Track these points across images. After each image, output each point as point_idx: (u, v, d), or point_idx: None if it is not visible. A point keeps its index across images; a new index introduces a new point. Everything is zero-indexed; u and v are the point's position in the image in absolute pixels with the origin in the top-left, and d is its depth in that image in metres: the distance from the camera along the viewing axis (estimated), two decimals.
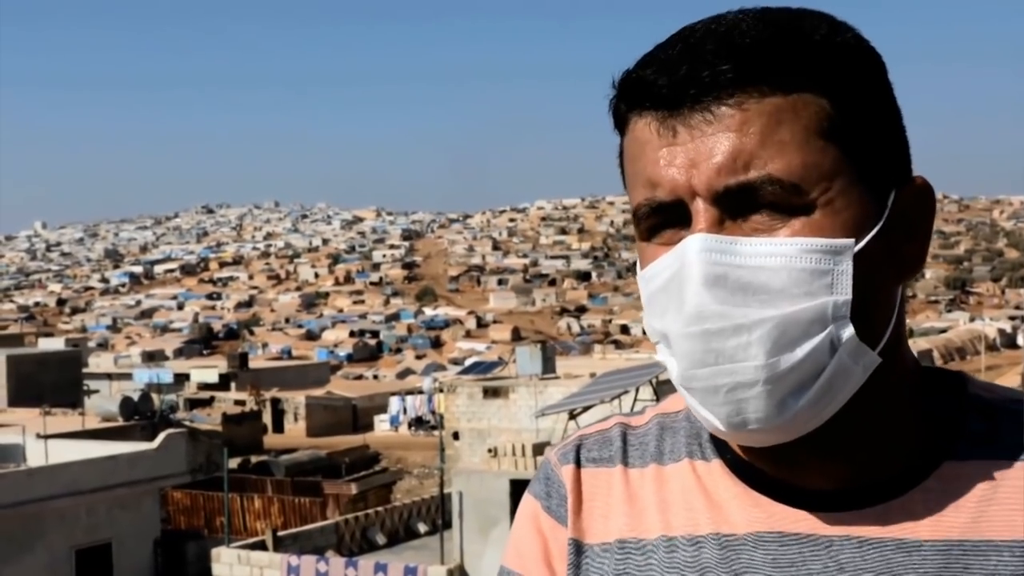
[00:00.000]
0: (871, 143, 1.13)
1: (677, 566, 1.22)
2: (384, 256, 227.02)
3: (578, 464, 1.35)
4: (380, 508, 33.31)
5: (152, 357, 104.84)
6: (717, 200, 1.10)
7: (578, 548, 1.31)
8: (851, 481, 1.17)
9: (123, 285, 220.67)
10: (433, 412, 53.69)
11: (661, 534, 1.25)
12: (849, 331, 1.09)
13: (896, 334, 1.17)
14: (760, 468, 1.21)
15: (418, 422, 59.54)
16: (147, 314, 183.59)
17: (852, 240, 1.09)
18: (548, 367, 35.44)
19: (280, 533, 28.88)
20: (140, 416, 45.29)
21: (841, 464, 1.17)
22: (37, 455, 32.35)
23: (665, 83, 1.12)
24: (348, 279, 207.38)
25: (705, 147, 1.10)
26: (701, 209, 1.10)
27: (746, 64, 1.09)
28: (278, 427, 61.43)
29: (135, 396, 47.70)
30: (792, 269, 1.08)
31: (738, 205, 1.10)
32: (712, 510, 1.23)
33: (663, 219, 1.14)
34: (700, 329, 1.09)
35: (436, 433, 40.05)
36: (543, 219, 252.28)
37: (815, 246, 1.08)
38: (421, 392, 63.70)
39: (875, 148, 1.13)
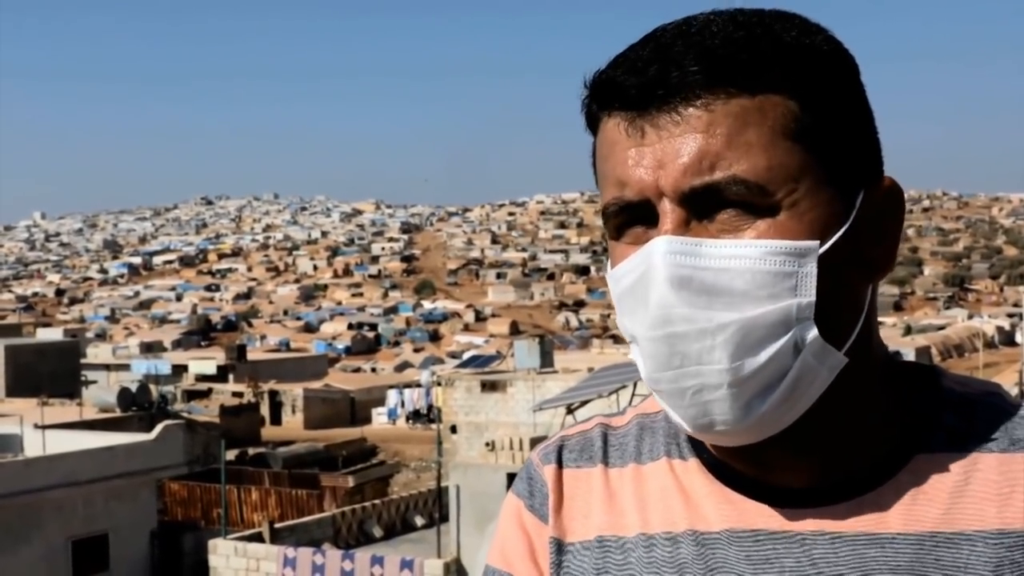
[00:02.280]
0: (839, 145, 1.13)
1: (655, 563, 1.23)
2: (383, 249, 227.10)
3: (559, 464, 1.36)
4: (377, 501, 33.26)
5: (150, 348, 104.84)
6: (683, 200, 1.10)
7: (559, 547, 1.32)
8: (824, 478, 1.18)
9: (122, 276, 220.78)
10: (431, 405, 53.65)
11: (639, 532, 1.26)
12: (813, 333, 1.10)
13: (866, 331, 1.17)
14: (735, 467, 1.22)
15: (416, 415, 59.46)
16: (145, 305, 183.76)
17: (817, 242, 1.10)
18: (546, 361, 35.38)
19: (277, 525, 28.84)
20: (138, 407, 45.29)
21: (813, 462, 1.18)
22: (34, 445, 32.36)
23: (634, 84, 1.12)
24: (347, 272, 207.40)
25: (672, 148, 1.10)
26: (668, 210, 1.11)
27: (714, 65, 1.10)
28: (275, 419, 61.34)
29: (133, 387, 47.70)
30: (756, 271, 1.08)
31: (704, 206, 1.10)
32: (689, 508, 1.24)
33: (631, 218, 1.14)
34: (664, 332, 1.10)
35: (434, 426, 40.00)
36: (542, 213, 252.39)
37: (779, 248, 1.08)
38: (419, 385, 63.57)
39: (843, 150, 1.13)
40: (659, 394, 1.15)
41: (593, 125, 1.20)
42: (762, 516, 1.19)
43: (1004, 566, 1.11)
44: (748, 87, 1.10)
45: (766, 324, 1.09)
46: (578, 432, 1.39)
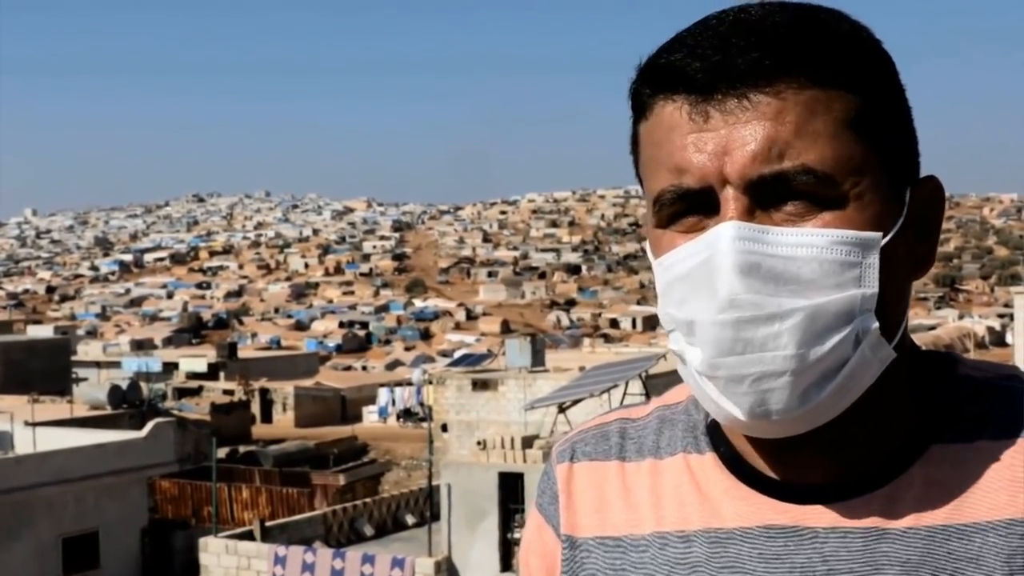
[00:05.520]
0: (893, 141, 1.14)
1: (668, 562, 1.23)
2: (374, 247, 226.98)
3: (572, 460, 1.36)
4: (368, 499, 33.31)
5: (141, 346, 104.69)
6: (749, 188, 1.09)
7: (572, 543, 1.32)
8: (841, 473, 1.17)
9: (113, 273, 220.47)
10: (422, 404, 53.60)
11: (654, 530, 1.25)
12: (874, 324, 1.10)
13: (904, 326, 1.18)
14: (751, 463, 1.21)
15: (407, 414, 59.46)
16: (136, 302, 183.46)
17: (880, 234, 1.10)
18: (537, 360, 35.37)
19: (268, 523, 28.86)
20: (128, 405, 45.28)
21: (836, 457, 1.17)
22: (25, 443, 32.31)
23: (699, 68, 1.11)
24: (338, 270, 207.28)
25: (739, 134, 1.09)
26: (731, 197, 1.09)
27: (783, 53, 1.09)
28: (266, 417, 61.35)
29: (124, 385, 47.69)
30: (823, 260, 1.08)
31: (769, 194, 1.09)
32: (703, 505, 1.23)
33: (687, 206, 1.13)
34: (732, 317, 1.08)
35: (425, 425, 39.96)
36: (534, 212, 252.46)
37: (846, 238, 1.08)
38: (410, 384, 63.59)
39: (896, 146, 1.14)
40: (714, 380, 1.12)
41: (641, 111, 1.18)
42: (775, 512, 1.18)
43: (1017, 556, 1.10)
44: (816, 77, 1.09)
45: (832, 313, 1.08)
46: (595, 426, 1.39)
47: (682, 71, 1.12)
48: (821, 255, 1.08)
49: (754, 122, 1.09)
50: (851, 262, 1.09)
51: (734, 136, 1.09)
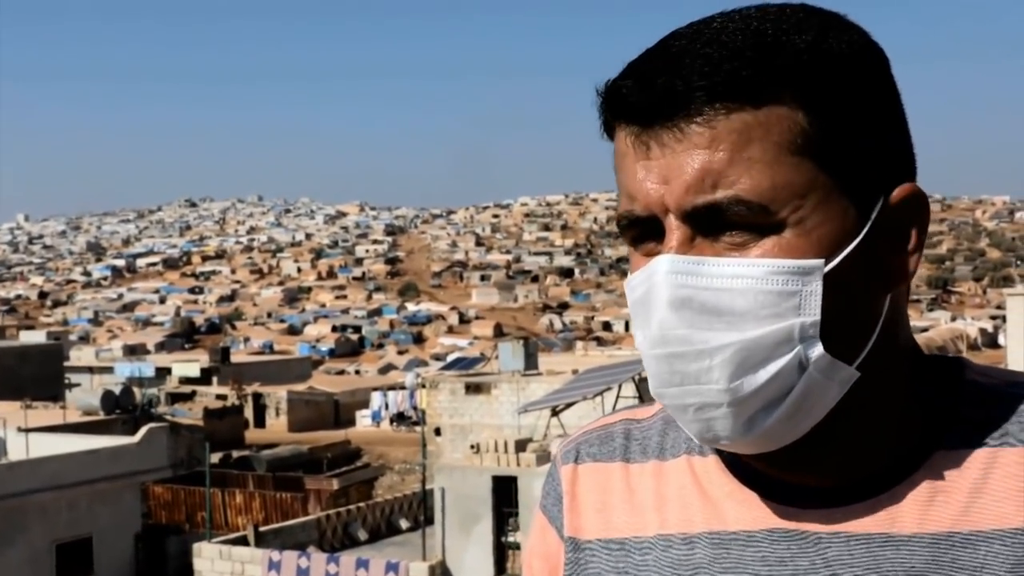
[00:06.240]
0: (854, 154, 1.10)
1: (671, 564, 1.22)
2: (367, 251, 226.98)
3: (577, 461, 1.36)
4: (362, 504, 33.24)
5: (133, 351, 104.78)
6: (687, 218, 1.08)
7: (575, 545, 1.32)
8: (843, 477, 1.16)
9: (105, 278, 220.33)
10: (415, 408, 53.55)
11: (658, 532, 1.25)
12: (818, 351, 1.08)
13: (887, 336, 1.14)
14: (755, 466, 1.20)
15: (400, 418, 59.35)
16: (129, 308, 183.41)
17: (821, 261, 1.07)
18: (530, 363, 35.39)
19: (261, 528, 28.80)
20: (121, 410, 45.11)
21: (832, 462, 1.16)
22: (18, 449, 32.27)
23: (637, 99, 1.10)
24: (331, 274, 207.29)
25: (676, 164, 1.08)
26: (673, 226, 1.09)
27: (718, 79, 1.07)
28: (259, 422, 61.17)
29: (116, 390, 47.49)
30: (758, 291, 1.06)
31: (708, 223, 1.08)
32: (707, 507, 1.23)
33: (642, 231, 1.13)
34: (664, 352, 1.09)
35: (418, 429, 39.93)
36: (526, 215, 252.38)
37: (783, 267, 1.06)
38: (403, 388, 63.43)
39: (858, 159, 1.10)
40: (665, 407, 1.14)
41: (609, 133, 1.18)
42: (779, 516, 1.18)
43: (1023, 565, 1.09)
44: (752, 101, 1.07)
45: (767, 344, 1.07)
46: (600, 427, 1.39)
47: (624, 101, 1.12)
48: (756, 286, 1.06)
49: (689, 152, 1.07)
50: (789, 291, 1.07)
51: (672, 166, 1.08)
